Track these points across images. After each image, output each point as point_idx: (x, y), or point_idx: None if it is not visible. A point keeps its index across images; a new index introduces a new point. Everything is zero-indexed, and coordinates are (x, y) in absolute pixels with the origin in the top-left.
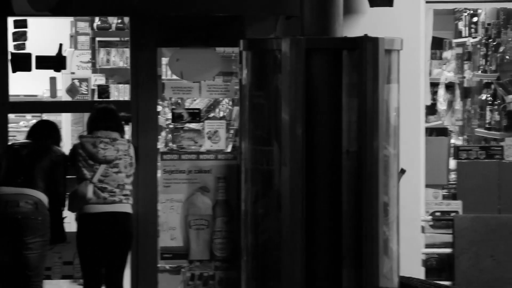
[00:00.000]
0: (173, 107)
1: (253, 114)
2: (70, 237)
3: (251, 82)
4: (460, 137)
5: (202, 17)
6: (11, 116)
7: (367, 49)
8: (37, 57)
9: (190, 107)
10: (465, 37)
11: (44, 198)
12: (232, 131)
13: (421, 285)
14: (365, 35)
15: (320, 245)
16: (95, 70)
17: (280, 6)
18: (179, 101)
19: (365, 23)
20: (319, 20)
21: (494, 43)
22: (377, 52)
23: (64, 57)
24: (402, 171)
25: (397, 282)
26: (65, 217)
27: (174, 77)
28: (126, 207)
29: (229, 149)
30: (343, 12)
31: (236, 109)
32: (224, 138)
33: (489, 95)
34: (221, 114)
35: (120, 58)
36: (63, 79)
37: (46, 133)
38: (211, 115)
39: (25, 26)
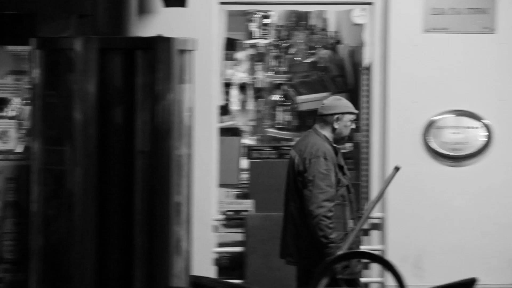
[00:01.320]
0: None
1: (45, 113)
2: None
3: (43, 82)
4: (252, 137)
5: None
6: None
7: (160, 49)
8: None
9: None
10: (257, 38)
11: None
12: (23, 131)
13: (212, 284)
14: (159, 35)
15: (113, 245)
16: None
17: (73, 4)
18: None
19: (159, 23)
20: (112, 20)
21: (285, 45)
22: (170, 52)
23: None
24: (397, 169)
25: (189, 281)
26: None
27: None
28: None
29: (20, 149)
30: (137, 12)
31: (28, 108)
32: (15, 138)
33: (280, 96)
34: (12, 113)
35: None
36: None
37: None
38: (1, 114)
39: None
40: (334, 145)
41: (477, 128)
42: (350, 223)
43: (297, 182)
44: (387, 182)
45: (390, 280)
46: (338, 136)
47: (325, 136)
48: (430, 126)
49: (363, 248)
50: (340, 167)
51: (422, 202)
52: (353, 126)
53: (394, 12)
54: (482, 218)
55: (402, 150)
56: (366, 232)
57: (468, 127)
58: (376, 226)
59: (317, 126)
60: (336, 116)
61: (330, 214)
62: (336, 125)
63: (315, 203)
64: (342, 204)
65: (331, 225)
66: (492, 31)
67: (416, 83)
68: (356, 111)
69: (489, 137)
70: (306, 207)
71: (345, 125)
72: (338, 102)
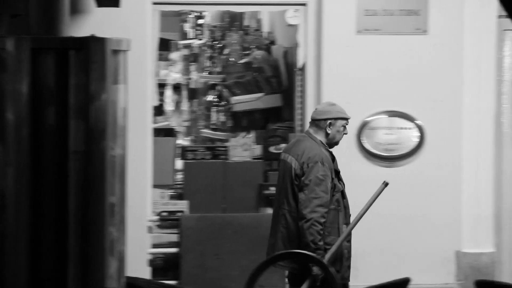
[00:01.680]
0: None
1: None
2: None
3: None
4: (187, 138)
5: None
6: None
7: (94, 49)
8: None
9: None
10: (191, 39)
11: None
12: None
13: (147, 285)
14: (92, 35)
15: (46, 246)
16: None
17: (5, 4)
18: None
19: (93, 23)
20: (45, 19)
21: (219, 45)
22: (104, 52)
23: None
24: (386, 184)
25: (124, 282)
26: None
27: None
28: None
29: None
30: (70, 11)
31: None
32: None
33: (214, 96)
34: None
35: None
36: None
37: None
38: None
39: None
40: (330, 150)
41: (409, 128)
42: (344, 228)
43: (294, 186)
44: (374, 197)
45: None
46: (331, 141)
47: (321, 142)
48: (363, 126)
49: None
50: (337, 173)
51: (355, 202)
52: (346, 132)
53: (327, 13)
54: (415, 218)
55: (336, 150)
56: None
57: (401, 128)
58: None
59: (311, 131)
60: (329, 121)
61: (322, 220)
62: (328, 130)
63: (309, 207)
64: (336, 209)
65: (321, 232)
66: (425, 32)
67: (349, 84)
68: (349, 116)
69: (422, 138)
70: (300, 210)
71: (337, 130)
72: (331, 108)
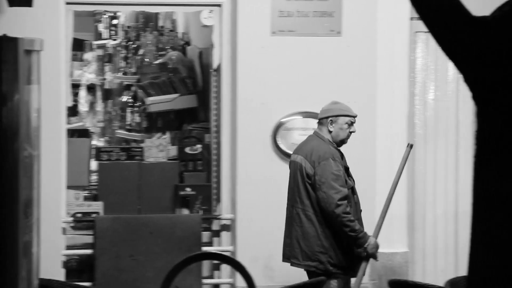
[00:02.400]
0: None
1: None
2: None
3: None
4: (102, 139)
5: None
6: None
7: (6, 49)
8: None
9: None
10: (106, 39)
11: None
12: None
13: (61, 287)
14: (4, 35)
15: None
16: None
17: None
18: None
19: (5, 23)
20: None
21: (134, 46)
22: (16, 52)
23: None
24: (411, 146)
25: (37, 284)
26: None
27: None
28: None
29: None
30: None
31: None
32: None
33: (129, 97)
34: None
35: None
36: None
37: None
38: None
39: None
40: (338, 148)
41: None
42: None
43: (306, 185)
44: (403, 162)
45: (241, 281)
46: (336, 139)
47: (329, 140)
48: (278, 127)
49: (214, 249)
50: (346, 169)
51: (272, 202)
52: (352, 129)
53: (242, 14)
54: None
55: (252, 151)
56: (217, 233)
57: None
58: (226, 227)
59: (318, 130)
60: (330, 119)
61: (348, 209)
62: (331, 128)
63: (333, 203)
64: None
65: (352, 218)
66: (338, 34)
67: (264, 85)
68: (354, 114)
69: None
70: (325, 209)
71: (340, 127)
72: (333, 106)
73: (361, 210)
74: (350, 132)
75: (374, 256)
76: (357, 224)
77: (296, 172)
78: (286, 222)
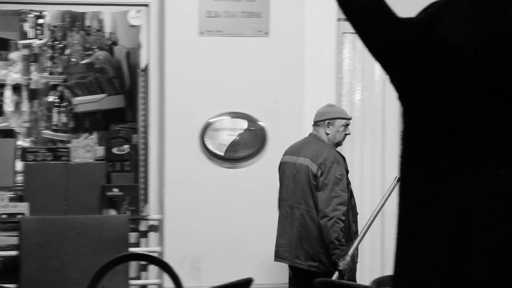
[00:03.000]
0: None
1: None
2: None
3: None
4: (27, 139)
5: None
6: None
7: None
8: None
9: None
10: (31, 38)
11: None
12: None
13: None
14: None
15: None
16: None
17: None
18: None
19: None
20: None
21: (61, 46)
22: None
23: None
24: (398, 180)
25: None
26: None
27: None
28: None
29: None
30: None
31: None
32: None
33: (56, 97)
34: None
35: None
36: None
37: None
38: None
39: None
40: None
41: (252, 130)
42: (353, 226)
43: (312, 186)
44: (388, 194)
45: (168, 282)
46: (333, 141)
47: (329, 143)
48: (207, 127)
49: (141, 250)
50: (347, 172)
51: (200, 203)
52: (348, 131)
53: (170, 14)
54: (259, 219)
55: (180, 151)
56: (144, 234)
57: (244, 129)
58: (153, 228)
59: (315, 132)
60: (328, 121)
61: (343, 217)
62: (328, 131)
63: (330, 205)
64: (347, 208)
65: (343, 229)
66: (266, 35)
67: (193, 85)
68: (349, 117)
69: (264, 139)
70: (321, 209)
71: (337, 130)
72: (329, 109)
73: (357, 213)
74: (346, 134)
75: (345, 272)
76: (343, 235)
77: (299, 173)
78: (280, 222)
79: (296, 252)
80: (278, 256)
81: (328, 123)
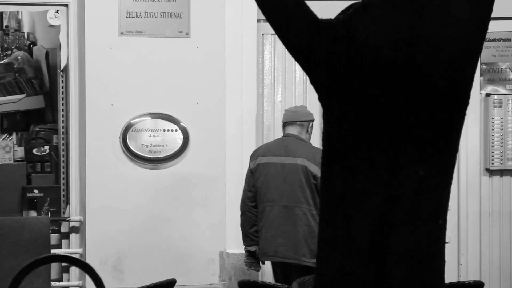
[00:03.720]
0: None
1: None
2: None
3: None
4: None
5: None
6: None
7: None
8: None
9: None
10: None
11: None
12: None
13: None
14: None
15: None
16: None
17: None
18: None
19: None
20: None
21: None
22: None
23: None
24: None
25: None
26: None
27: None
28: None
29: None
30: None
31: None
32: None
33: None
34: None
35: None
36: None
37: None
38: None
39: None
40: None
41: (174, 131)
42: None
43: (312, 185)
44: None
45: (90, 284)
46: (308, 141)
47: (310, 143)
48: (128, 128)
49: (63, 252)
50: None
51: (122, 204)
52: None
53: (89, 14)
54: (181, 220)
55: (101, 152)
56: (66, 235)
57: (165, 130)
58: (75, 229)
59: (297, 133)
60: (311, 123)
61: None
62: (310, 131)
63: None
64: None
65: None
66: (187, 35)
67: (113, 86)
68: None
69: (186, 140)
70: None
71: (311, 131)
72: (306, 109)
73: None
74: None
75: None
76: None
77: (293, 173)
78: (272, 222)
79: (302, 250)
80: (278, 256)
81: (312, 124)
